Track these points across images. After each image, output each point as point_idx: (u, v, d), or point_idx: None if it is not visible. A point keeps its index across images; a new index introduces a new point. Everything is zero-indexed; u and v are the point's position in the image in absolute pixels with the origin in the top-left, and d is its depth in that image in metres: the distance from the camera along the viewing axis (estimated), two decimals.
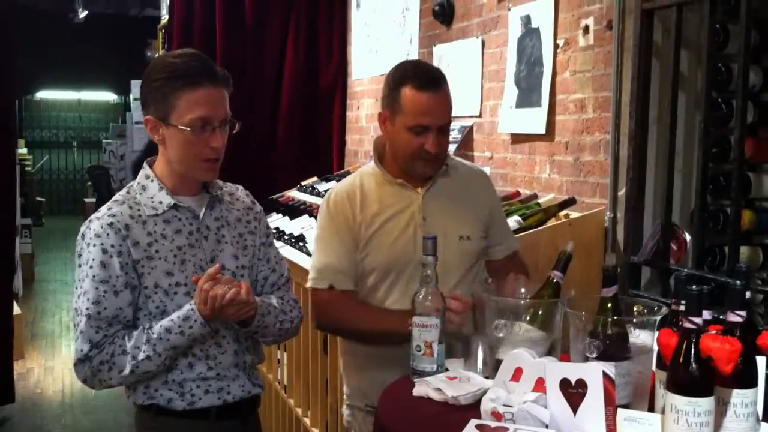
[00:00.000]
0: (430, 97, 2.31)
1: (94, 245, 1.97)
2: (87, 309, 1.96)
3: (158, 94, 1.98)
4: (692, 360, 1.55)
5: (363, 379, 2.47)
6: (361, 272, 2.43)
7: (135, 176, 2.11)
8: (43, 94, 16.38)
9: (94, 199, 13.26)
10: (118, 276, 1.97)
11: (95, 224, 2.00)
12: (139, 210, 2.03)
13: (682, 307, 1.63)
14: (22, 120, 15.70)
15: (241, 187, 2.26)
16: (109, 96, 16.65)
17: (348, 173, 5.23)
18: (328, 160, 5.98)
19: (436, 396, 1.91)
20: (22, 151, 13.64)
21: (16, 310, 5.98)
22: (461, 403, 1.87)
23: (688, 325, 1.57)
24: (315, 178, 5.24)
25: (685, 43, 3.01)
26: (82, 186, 15.55)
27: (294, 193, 5.10)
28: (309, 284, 2.46)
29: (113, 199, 2.08)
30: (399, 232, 2.38)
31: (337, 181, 4.86)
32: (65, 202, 16.10)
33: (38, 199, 13.99)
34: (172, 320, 1.97)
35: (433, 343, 2.04)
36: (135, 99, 12.32)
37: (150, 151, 2.29)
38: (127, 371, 1.96)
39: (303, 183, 5.19)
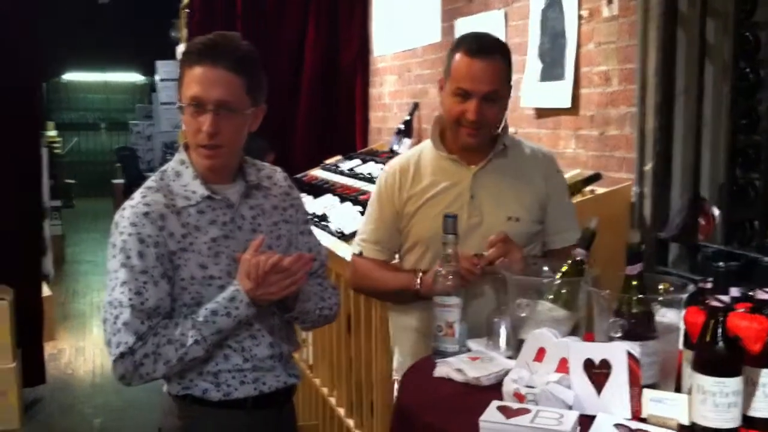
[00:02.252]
0: (475, 62, 2.29)
1: (130, 234, 1.91)
2: (130, 300, 1.88)
3: (179, 73, 1.98)
4: (720, 339, 1.52)
5: (406, 354, 2.50)
6: (406, 247, 2.46)
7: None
8: (70, 76, 16.47)
9: (123, 181, 13.37)
10: (155, 266, 1.91)
11: (129, 212, 1.94)
12: (173, 199, 1.97)
13: (710, 285, 1.60)
14: (50, 102, 15.83)
15: (279, 170, 2.19)
16: (135, 77, 16.73)
17: (372, 151, 5.22)
18: (352, 139, 5.95)
19: (457, 377, 1.90)
20: (52, 133, 13.75)
21: (47, 291, 6.05)
22: (483, 384, 1.85)
23: (715, 303, 1.53)
24: (339, 157, 5.22)
25: (711, 12, 2.94)
26: (111, 167, 15.67)
27: (317, 172, 5.08)
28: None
29: (146, 185, 2.01)
30: (444, 207, 2.35)
31: (362, 159, 4.85)
32: (95, 183, 16.21)
33: (68, 181, 14.10)
34: (217, 302, 1.92)
35: (454, 323, 2.02)
36: (161, 80, 12.40)
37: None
38: (174, 360, 1.90)
39: (326, 162, 5.17)
